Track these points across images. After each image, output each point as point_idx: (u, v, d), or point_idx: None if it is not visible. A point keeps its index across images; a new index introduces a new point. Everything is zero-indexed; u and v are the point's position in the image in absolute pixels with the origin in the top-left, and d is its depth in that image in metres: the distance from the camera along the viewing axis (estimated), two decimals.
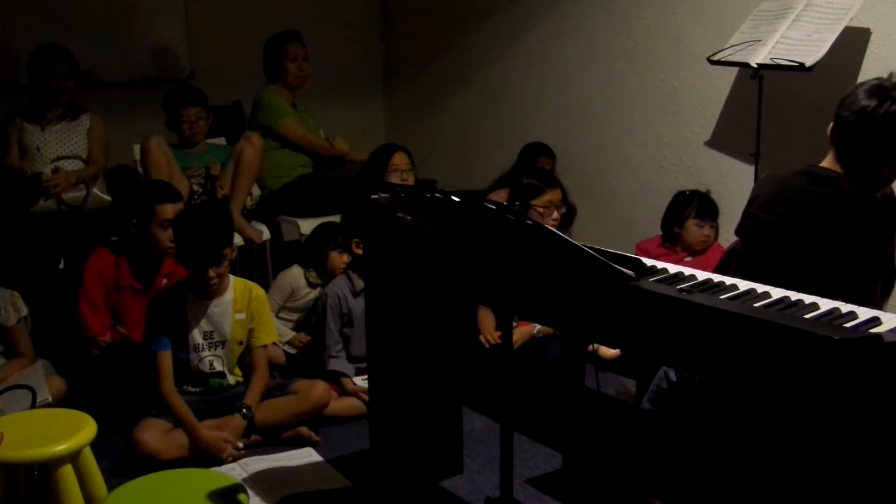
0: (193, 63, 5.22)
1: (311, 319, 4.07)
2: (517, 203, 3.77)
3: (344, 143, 4.93)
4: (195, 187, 4.35)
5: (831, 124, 2.48)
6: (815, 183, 2.44)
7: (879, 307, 2.41)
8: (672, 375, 2.62)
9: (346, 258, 4.00)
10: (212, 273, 3.35)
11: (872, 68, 3.42)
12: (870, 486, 1.73)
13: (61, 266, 4.12)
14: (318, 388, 3.53)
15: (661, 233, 4.05)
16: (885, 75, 3.32)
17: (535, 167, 4.47)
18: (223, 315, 3.44)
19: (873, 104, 2.34)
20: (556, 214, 3.79)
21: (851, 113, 2.37)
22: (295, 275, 4.08)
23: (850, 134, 2.38)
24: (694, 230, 3.90)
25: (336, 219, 4.39)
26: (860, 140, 2.38)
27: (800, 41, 3.40)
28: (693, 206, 3.93)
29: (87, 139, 4.37)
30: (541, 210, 3.75)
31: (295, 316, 4.09)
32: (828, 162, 2.48)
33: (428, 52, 5.68)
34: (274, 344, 3.79)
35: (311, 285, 4.06)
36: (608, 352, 3.81)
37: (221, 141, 4.87)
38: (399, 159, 4.26)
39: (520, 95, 5.05)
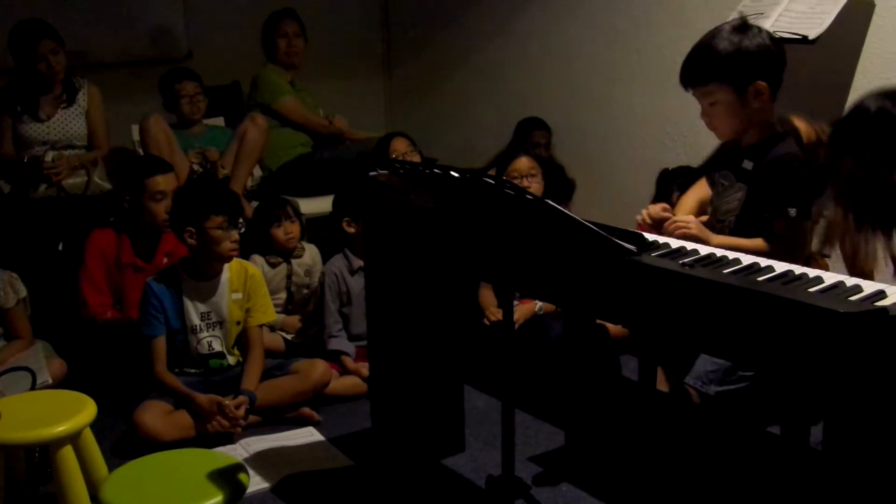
0: (191, 43, 5.18)
1: (307, 306, 4.05)
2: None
3: (343, 121, 4.90)
4: (195, 167, 4.32)
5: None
6: None
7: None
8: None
9: (287, 227, 3.98)
10: (227, 237, 3.32)
11: (876, 41, 3.38)
12: (876, 460, 1.72)
13: (60, 248, 4.10)
14: (318, 368, 3.51)
15: None
16: (889, 48, 3.30)
17: (529, 142, 4.45)
18: (220, 295, 3.42)
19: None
20: (525, 183, 3.75)
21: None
22: (258, 263, 3.95)
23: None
24: None
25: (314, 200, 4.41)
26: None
27: (803, 14, 3.37)
28: (676, 180, 3.91)
29: (87, 120, 4.32)
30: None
31: (279, 298, 4.02)
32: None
33: (428, 31, 5.63)
34: (271, 330, 3.78)
35: (273, 265, 4.01)
36: None
37: (220, 121, 4.84)
38: (398, 144, 4.24)
39: (520, 73, 5.01)
